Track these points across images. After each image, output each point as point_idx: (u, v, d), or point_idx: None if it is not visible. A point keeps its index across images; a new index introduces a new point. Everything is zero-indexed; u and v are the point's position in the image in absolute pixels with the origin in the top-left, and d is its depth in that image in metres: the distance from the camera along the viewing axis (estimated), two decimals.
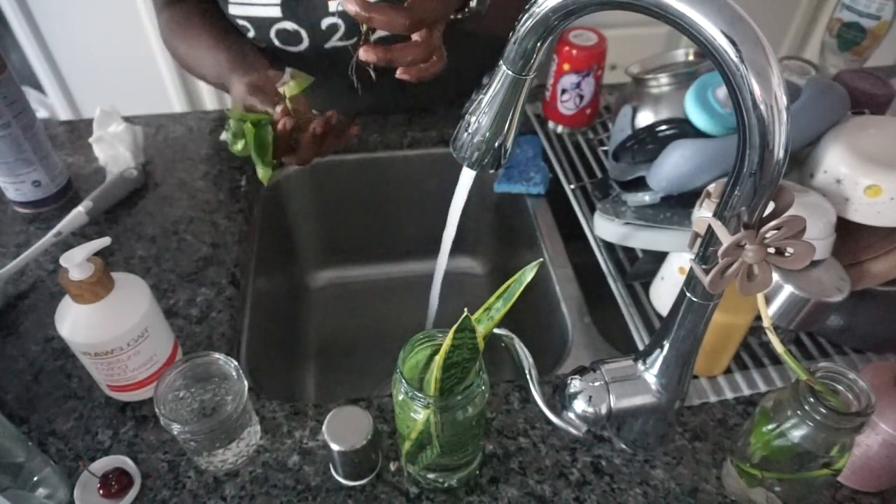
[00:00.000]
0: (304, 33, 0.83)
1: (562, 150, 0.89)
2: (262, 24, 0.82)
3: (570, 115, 0.89)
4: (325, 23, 0.81)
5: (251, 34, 0.84)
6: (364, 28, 0.65)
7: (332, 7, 0.79)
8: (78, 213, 0.76)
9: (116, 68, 1.69)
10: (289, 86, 0.70)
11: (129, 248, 0.76)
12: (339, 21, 0.81)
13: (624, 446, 0.57)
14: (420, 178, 0.98)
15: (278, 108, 0.70)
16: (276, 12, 0.81)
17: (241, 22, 0.83)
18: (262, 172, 0.73)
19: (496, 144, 0.47)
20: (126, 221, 0.80)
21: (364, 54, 0.62)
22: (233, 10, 0.82)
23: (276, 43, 0.85)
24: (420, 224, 1.02)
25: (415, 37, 0.65)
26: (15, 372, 0.63)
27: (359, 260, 1.08)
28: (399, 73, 0.65)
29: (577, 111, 0.89)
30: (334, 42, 0.84)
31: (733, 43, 0.32)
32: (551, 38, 0.40)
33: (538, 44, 0.40)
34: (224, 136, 0.88)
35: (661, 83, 0.75)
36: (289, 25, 0.82)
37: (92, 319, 0.53)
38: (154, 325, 0.57)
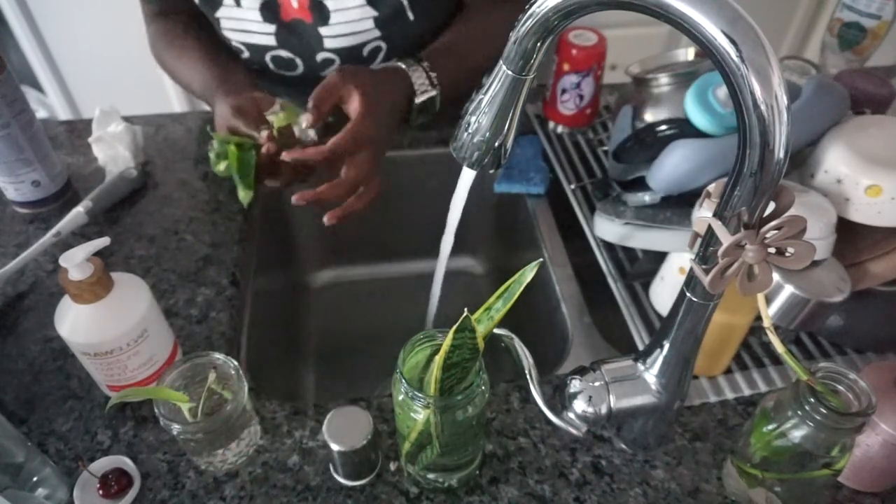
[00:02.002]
0: (299, 61, 0.84)
1: (562, 150, 0.89)
2: (257, 49, 0.83)
3: (570, 115, 0.89)
4: (321, 57, 0.82)
5: (245, 56, 0.85)
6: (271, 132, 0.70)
7: (328, 44, 0.80)
8: (77, 213, 0.76)
9: (116, 68, 1.68)
10: (278, 117, 0.71)
11: (129, 248, 0.76)
12: (335, 56, 0.82)
13: (624, 446, 0.57)
14: (420, 178, 0.98)
15: (263, 133, 0.71)
16: (270, 41, 0.81)
17: (235, 45, 0.84)
18: (243, 195, 0.75)
19: (496, 144, 0.47)
20: (126, 221, 0.80)
21: (296, 200, 0.68)
22: (227, 34, 0.82)
23: (272, 67, 0.85)
24: (420, 224, 1.02)
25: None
26: (15, 372, 0.63)
27: (359, 260, 1.08)
28: (326, 220, 0.69)
29: (577, 111, 0.89)
30: (330, 72, 0.84)
31: (734, 43, 0.32)
32: (551, 38, 0.40)
33: (538, 44, 0.40)
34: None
35: (661, 83, 0.75)
36: (283, 53, 0.83)
37: (92, 319, 0.53)
38: (154, 325, 0.56)
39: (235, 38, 0.83)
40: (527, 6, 0.39)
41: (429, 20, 0.82)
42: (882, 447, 0.50)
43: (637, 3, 0.34)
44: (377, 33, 0.79)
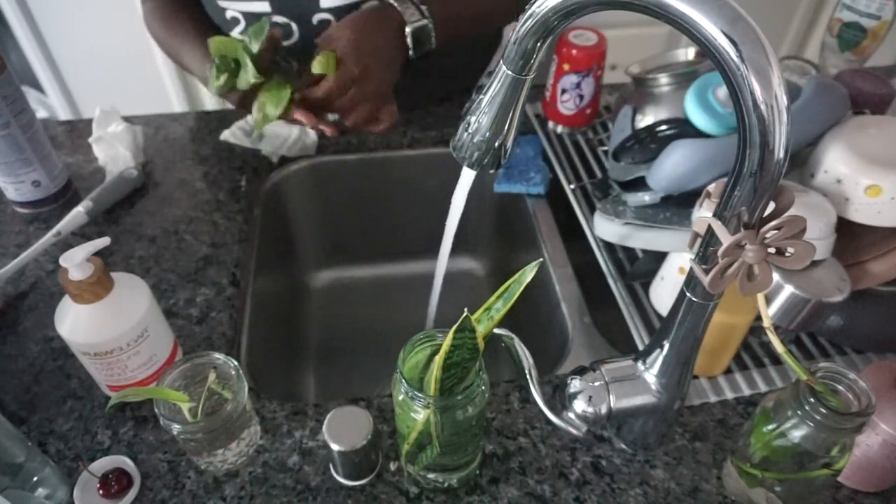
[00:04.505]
0: (294, 26, 0.83)
1: (562, 150, 0.89)
2: (253, 17, 0.82)
3: (570, 115, 0.89)
4: (317, 18, 0.82)
5: (241, 26, 0.84)
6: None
7: (324, 3, 0.79)
8: (77, 213, 0.76)
9: (116, 68, 1.68)
10: (318, 60, 0.71)
11: (129, 248, 0.76)
12: (331, 17, 0.81)
13: (624, 446, 0.57)
14: (420, 178, 0.98)
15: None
16: (265, 7, 0.81)
17: (231, 14, 0.83)
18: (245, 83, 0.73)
19: (496, 144, 0.47)
20: (126, 221, 0.80)
21: (302, 117, 0.73)
22: (222, 3, 0.82)
23: None
24: (420, 224, 1.02)
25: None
26: (15, 372, 0.63)
27: (359, 260, 1.08)
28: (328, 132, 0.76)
29: (577, 111, 0.89)
30: None
31: (734, 43, 0.32)
32: (551, 38, 0.40)
33: (538, 44, 0.40)
34: (225, 134, 0.88)
35: (661, 83, 0.75)
36: (279, 19, 0.82)
37: (92, 319, 0.53)
38: (154, 325, 0.56)
39: (231, 7, 0.82)
40: (527, 6, 0.39)
41: None
42: (882, 447, 0.50)
43: (637, 3, 0.34)
44: None
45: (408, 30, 0.75)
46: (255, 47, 0.71)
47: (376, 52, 0.74)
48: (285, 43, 0.85)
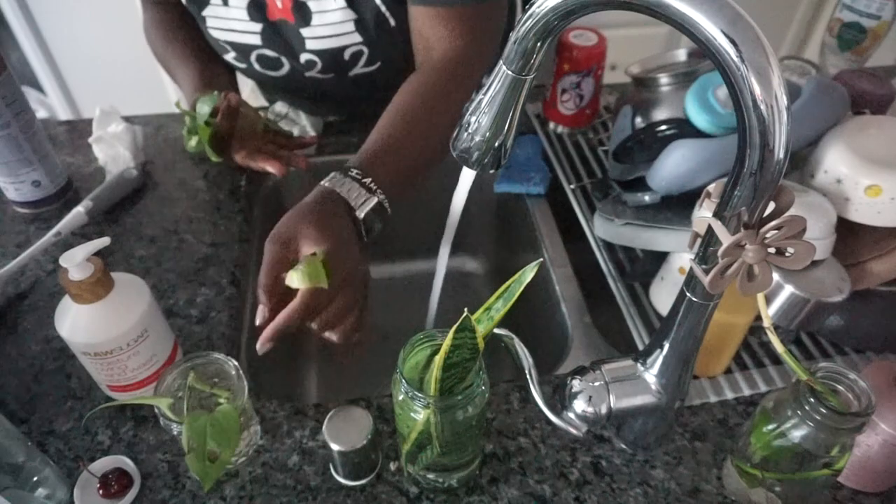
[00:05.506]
0: (284, 60, 0.84)
1: (562, 150, 0.89)
2: (243, 49, 0.83)
3: (570, 115, 0.89)
4: (304, 58, 0.82)
5: (231, 55, 0.85)
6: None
7: (310, 45, 0.80)
8: (77, 213, 0.76)
9: (116, 68, 1.69)
10: (300, 272, 0.56)
11: (129, 248, 0.76)
12: (316, 59, 0.82)
13: (624, 446, 0.57)
14: None
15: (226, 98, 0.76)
16: (256, 40, 0.81)
17: (220, 44, 0.84)
18: (216, 159, 0.79)
19: (496, 144, 0.47)
20: (126, 221, 0.80)
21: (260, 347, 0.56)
22: (213, 33, 0.83)
23: (257, 67, 0.85)
24: (420, 224, 1.02)
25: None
26: (15, 372, 0.63)
27: None
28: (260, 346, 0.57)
29: (577, 111, 0.89)
30: (314, 74, 0.85)
31: (734, 43, 0.32)
32: (551, 38, 0.40)
33: (538, 44, 0.40)
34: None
35: (661, 83, 0.75)
36: (269, 52, 0.83)
37: (92, 319, 0.53)
38: (154, 325, 0.56)
39: (221, 38, 0.83)
40: (527, 6, 0.39)
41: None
42: (882, 447, 0.50)
43: (637, 3, 0.34)
44: (358, 38, 0.79)
45: (360, 215, 0.62)
46: (201, 120, 0.75)
47: (346, 248, 0.59)
48: (276, 73, 0.86)
